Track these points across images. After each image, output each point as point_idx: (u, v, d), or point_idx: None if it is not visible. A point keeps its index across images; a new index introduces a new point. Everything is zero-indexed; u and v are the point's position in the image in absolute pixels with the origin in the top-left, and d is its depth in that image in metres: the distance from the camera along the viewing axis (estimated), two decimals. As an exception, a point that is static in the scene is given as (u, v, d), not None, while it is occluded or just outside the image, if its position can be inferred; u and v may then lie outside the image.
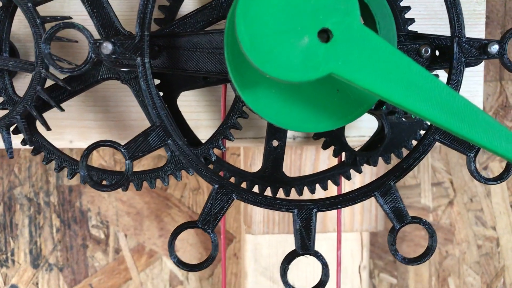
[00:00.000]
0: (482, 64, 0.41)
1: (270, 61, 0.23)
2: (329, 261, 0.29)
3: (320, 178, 0.36)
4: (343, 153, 0.35)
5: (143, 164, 0.53)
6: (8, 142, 0.33)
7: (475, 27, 0.40)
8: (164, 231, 0.54)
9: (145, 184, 0.38)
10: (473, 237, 0.58)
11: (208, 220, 0.29)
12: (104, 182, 0.34)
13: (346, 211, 0.46)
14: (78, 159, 0.31)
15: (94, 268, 0.54)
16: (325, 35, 0.23)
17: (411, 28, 0.37)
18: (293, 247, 0.29)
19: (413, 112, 0.24)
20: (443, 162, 0.58)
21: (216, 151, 0.34)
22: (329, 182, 0.36)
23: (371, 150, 0.35)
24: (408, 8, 0.36)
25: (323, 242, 0.47)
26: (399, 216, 0.30)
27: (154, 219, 0.54)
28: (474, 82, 0.40)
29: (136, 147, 0.28)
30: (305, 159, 0.45)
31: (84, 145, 0.38)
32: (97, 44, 0.27)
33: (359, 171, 0.35)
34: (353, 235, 0.48)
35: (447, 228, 0.58)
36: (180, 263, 0.28)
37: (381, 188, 0.29)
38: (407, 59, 0.23)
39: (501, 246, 0.58)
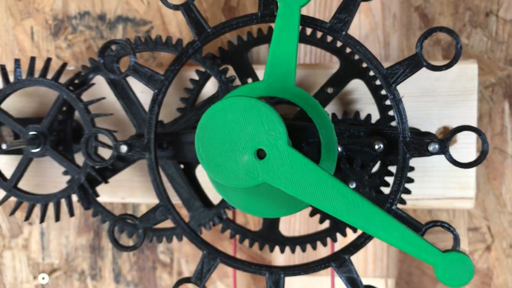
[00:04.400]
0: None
1: (220, 172, 0.31)
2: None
3: (310, 239, 0.42)
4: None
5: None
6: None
7: (465, 103, 0.43)
8: (218, 259, 0.64)
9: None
10: (513, 283, 0.59)
11: (199, 278, 0.37)
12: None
13: (360, 259, 0.51)
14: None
15: (162, 287, 0.65)
16: (262, 153, 0.30)
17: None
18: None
19: (337, 217, 0.30)
20: (480, 209, 0.60)
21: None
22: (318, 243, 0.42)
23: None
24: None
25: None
26: (353, 284, 0.35)
27: (209, 249, 0.64)
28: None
29: (146, 220, 0.37)
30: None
31: (133, 200, 0.48)
32: (117, 145, 0.37)
33: (344, 235, 0.41)
34: (377, 280, 0.52)
35: (484, 272, 0.60)
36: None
37: (337, 261, 0.35)
38: (324, 175, 0.30)
39: (542, 295, 0.58)
